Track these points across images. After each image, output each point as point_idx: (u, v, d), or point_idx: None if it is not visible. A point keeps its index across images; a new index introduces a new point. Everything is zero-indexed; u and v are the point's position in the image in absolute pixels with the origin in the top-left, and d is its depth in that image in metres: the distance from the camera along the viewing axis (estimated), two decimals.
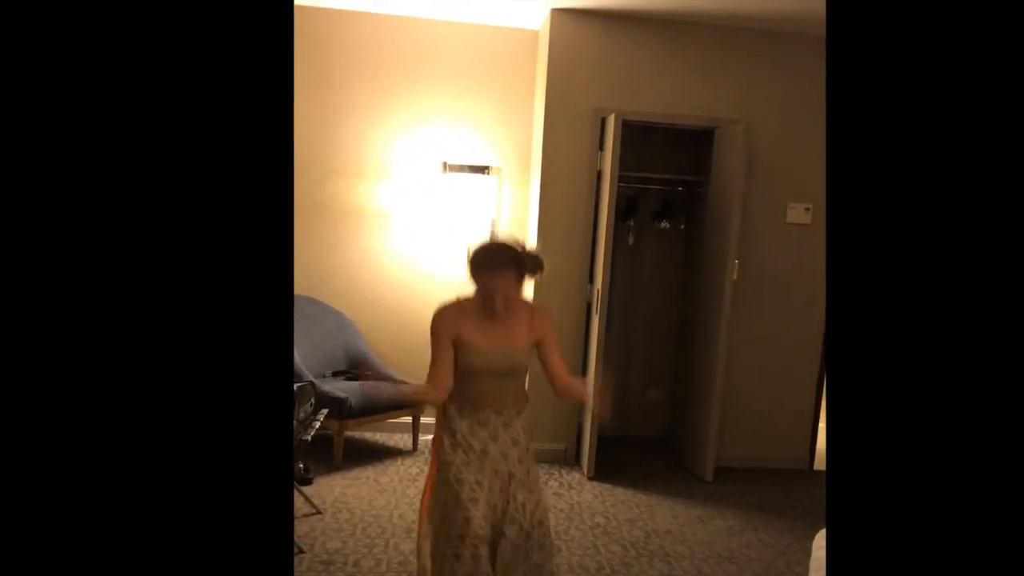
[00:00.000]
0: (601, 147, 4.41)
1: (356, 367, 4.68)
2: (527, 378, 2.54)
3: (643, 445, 5.13)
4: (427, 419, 4.62)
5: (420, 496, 3.83)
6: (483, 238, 2.49)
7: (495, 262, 2.29)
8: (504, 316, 2.34)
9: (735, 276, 4.37)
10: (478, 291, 2.32)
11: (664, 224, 5.13)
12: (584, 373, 4.51)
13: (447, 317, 2.37)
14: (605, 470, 4.43)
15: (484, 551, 2.27)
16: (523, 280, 2.33)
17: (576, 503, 3.96)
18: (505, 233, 2.48)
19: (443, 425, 2.43)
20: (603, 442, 4.51)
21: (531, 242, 2.07)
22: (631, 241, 5.18)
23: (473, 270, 2.31)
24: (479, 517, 2.28)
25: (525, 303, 2.44)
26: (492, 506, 2.34)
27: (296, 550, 3.14)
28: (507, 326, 2.36)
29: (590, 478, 4.35)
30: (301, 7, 4.62)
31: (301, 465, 3.95)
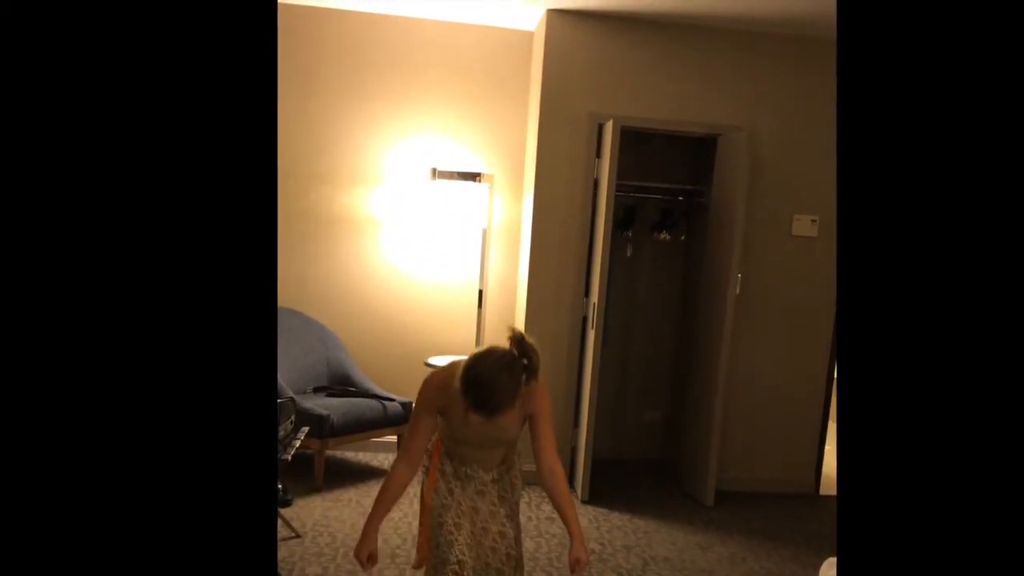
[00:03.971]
0: (598, 154, 4.44)
1: (339, 383, 4.69)
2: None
3: (640, 467, 5.14)
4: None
5: (403, 519, 3.84)
6: (480, 358, 2.15)
7: (493, 407, 2.10)
8: None
9: (737, 290, 4.40)
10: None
11: (664, 235, 5.17)
12: (578, 392, 4.53)
13: (436, 389, 2.28)
14: (600, 494, 4.44)
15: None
16: (517, 401, 2.18)
17: None
18: (501, 348, 2.19)
19: (433, 472, 2.43)
20: (598, 464, 4.52)
21: (524, 329, 1.92)
22: (629, 253, 5.21)
23: (468, 405, 2.12)
24: (459, 549, 2.30)
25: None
26: (474, 546, 2.37)
27: None
28: None
29: (584, 502, 4.36)
30: (285, 5, 4.65)
31: (280, 486, 3.95)
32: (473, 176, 4.79)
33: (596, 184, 4.43)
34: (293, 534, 3.58)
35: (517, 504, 2.50)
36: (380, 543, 3.52)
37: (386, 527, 3.74)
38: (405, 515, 3.91)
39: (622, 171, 4.44)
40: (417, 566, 2.49)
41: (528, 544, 3.67)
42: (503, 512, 2.44)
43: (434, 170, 4.79)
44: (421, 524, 2.47)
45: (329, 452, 4.38)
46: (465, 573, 2.31)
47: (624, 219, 5.08)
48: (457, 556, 2.30)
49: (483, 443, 2.34)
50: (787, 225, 4.67)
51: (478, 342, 4.88)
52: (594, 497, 4.38)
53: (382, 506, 2.29)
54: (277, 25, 1.38)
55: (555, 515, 4.11)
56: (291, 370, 4.52)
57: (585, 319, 4.52)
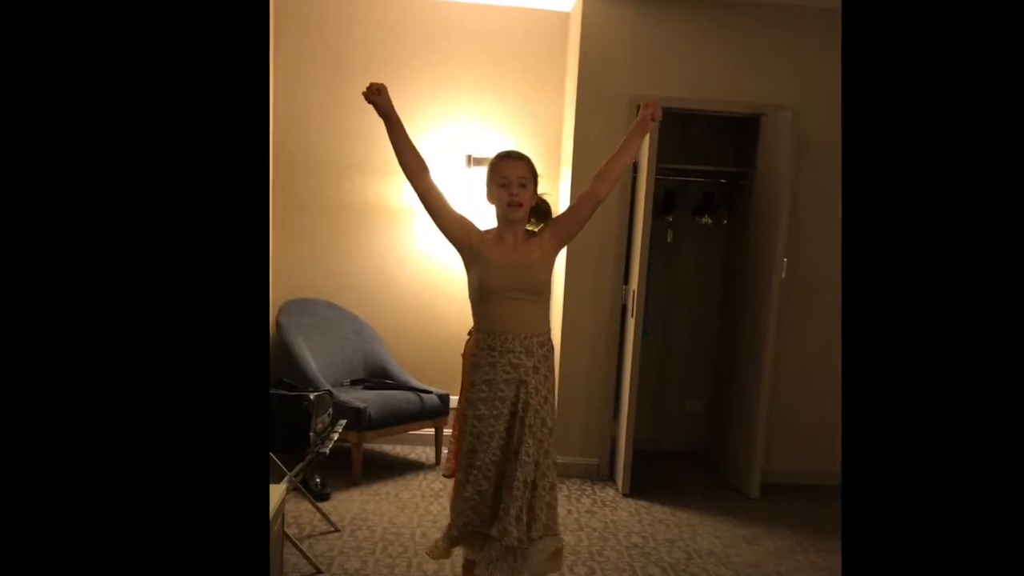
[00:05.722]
0: None
1: (375, 375, 4.73)
2: (549, 308, 2.73)
3: (682, 459, 5.14)
4: (450, 431, 4.65)
5: (442, 512, 3.88)
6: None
7: (511, 154, 2.66)
8: (519, 225, 2.62)
9: (783, 275, 4.35)
10: (495, 197, 2.60)
11: (705, 219, 5.13)
12: (618, 382, 4.52)
13: (475, 227, 2.67)
14: (641, 486, 4.44)
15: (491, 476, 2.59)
16: (535, 192, 2.63)
17: (611, 522, 3.97)
18: None
19: (469, 368, 2.65)
20: (639, 456, 4.52)
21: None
22: (670, 238, 5.18)
23: (491, 167, 2.64)
24: (487, 458, 2.58)
25: (535, 233, 2.69)
26: (503, 436, 2.60)
27: (313, 570, 3.19)
28: (522, 248, 2.62)
29: (625, 495, 4.36)
30: None
31: (318, 480, 4.01)
32: None
33: (635, 168, 4.40)
34: (332, 528, 3.63)
35: (552, 374, 2.70)
36: (418, 537, 3.58)
37: (424, 520, 3.79)
38: (444, 508, 3.95)
39: (662, 154, 4.39)
40: (448, 475, 2.76)
41: (569, 538, 3.68)
42: (544, 391, 2.62)
43: (469, 157, 4.79)
44: (454, 434, 2.74)
45: (367, 445, 4.43)
46: (496, 470, 2.57)
47: (664, 203, 5.04)
48: (491, 457, 2.57)
49: (512, 283, 2.56)
50: (834, 207, 4.58)
51: None
52: (635, 490, 4.38)
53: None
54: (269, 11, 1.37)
55: (595, 509, 4.13)
56: (328, 363, 4.58)
57: (624, 307, 4.51)
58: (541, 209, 2.71)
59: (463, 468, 2.63)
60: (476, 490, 2.58)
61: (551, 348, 2.70)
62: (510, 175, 2.57)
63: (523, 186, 2.57)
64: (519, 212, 2.58)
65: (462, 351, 2.71)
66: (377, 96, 2.64)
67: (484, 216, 2.73)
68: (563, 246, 2.74)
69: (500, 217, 2.64)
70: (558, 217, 2.75)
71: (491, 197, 2.64)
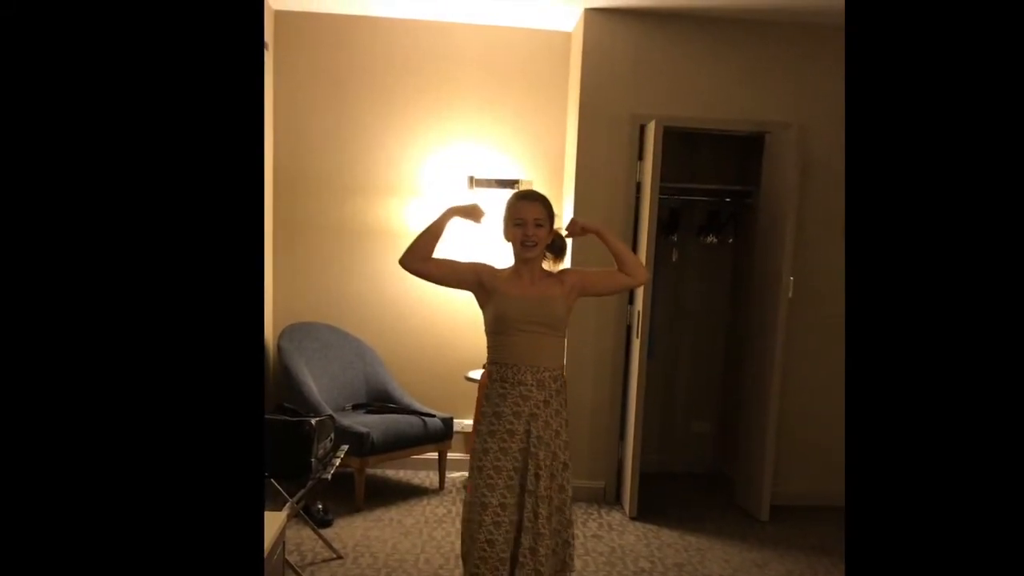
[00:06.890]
0: (640, 156, 4.42)
1: (378, 399, 4.71)
2: (565, 349, 2.76)
3: (690, 481, 5.10)
4: (453, 455, 4.64)
5: (446, 539, 3.84)
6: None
7: (528, 194, 2.73)
8: (535, 263, 2.68)
9: (790, 294, 4.33)
10: (512, 236, 2.66)
11: (711, 239, 5.12)
12: (624, 403, 4.50)
13: (486, 266, 2.73)
14: (649, 509, 4.40)
15: (505, 519, 2.54)
16: (550, 231, 2.68)
17: (618, 546, 3.93)
18: None
19: (482, 400, 2.66)
20: (646, 479, 4.49)
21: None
22: (674, 258, 5.17)
23: (508, 206, 2.69)
24: (495, 499, 2.54)
25: (553, 273, 2.73)
26: (515, 486, 2.58)
27: None
28: (539, 284, 2.67)
29: (632, 518, 4.32)
30: (318, 14, 4.71)
31: (320, 506, 3.99)
32: (511, 183, 4.79)
33: (639, 187, 4.41)
34: (334, 555, 3.60)
35: (566, 406, 2.72)
36: (422, 563, 3.54)
37: (428, 546, 3.75)
38: (448, 534, 3.92)
39: (666, 173, 4.39)
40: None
41: (575, 564, 3.64)
42: (547, 402, 2.62)
43: (471, 179, 4.79)
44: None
45: (369, 470, 4.41)
46: (507, 514, 2.53)
47: (669, 223, 5.04)
48: (499, 499, 2.53)
49: (529, 316, 2.59)
50: (840, 225, 4.56)
51: None
52: (643, 513, 4.35)
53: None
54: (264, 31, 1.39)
55: (601, 533, 4.10)
56: (329, 387, 4.56)
57: (629, 328, 4.49)
58: (556, 245, 2.75)
59: (472, 505, 2.59)
60: (487, 538, 2.52)
61: (564, 384, 2.71)
62: (526, 215, 2.63)
63: (539, 226, 2.63)
64: (534, 252, 2.63)
65: (478, 381, 2.73)
66: (472, 217, 2.78)
67: (487, 241, 2.73)
68: (581, 296, 2.77)
69: (516, 255, 2.68)
70: (592, 270, 2.83)
71: (507, 235, 2.69)
